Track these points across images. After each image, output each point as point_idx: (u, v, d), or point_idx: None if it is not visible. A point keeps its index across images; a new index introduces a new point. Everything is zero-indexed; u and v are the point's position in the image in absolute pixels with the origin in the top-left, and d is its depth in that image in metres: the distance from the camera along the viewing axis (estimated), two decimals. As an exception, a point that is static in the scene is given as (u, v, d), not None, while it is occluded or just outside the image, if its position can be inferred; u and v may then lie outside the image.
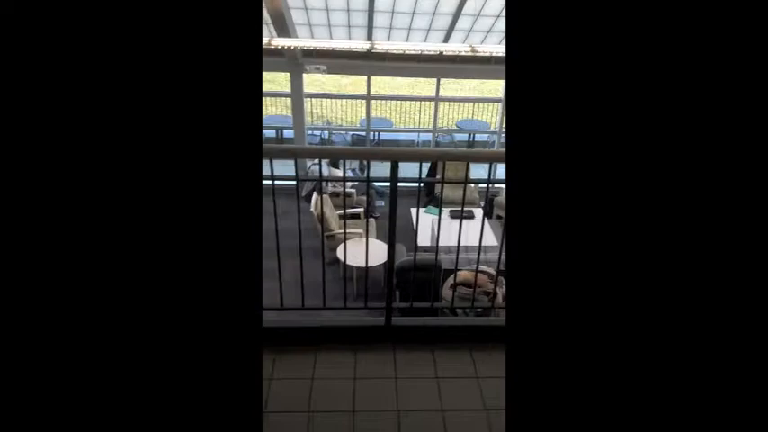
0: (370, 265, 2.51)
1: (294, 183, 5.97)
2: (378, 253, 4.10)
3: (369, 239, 2.57)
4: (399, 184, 2.19)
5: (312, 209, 5.49)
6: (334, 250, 5.36)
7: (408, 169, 2.33)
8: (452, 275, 3.34)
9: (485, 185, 2.49)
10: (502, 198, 6.74)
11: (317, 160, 6.72)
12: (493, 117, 9.51)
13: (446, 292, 3.35)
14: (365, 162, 7.11)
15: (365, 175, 7.04)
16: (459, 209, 2.24)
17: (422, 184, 7.04)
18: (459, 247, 2.43)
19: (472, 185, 6.92)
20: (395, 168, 2.17)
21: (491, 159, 2.51)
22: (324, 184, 6.87)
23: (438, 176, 6.80)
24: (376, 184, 7.19)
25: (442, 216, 6.25)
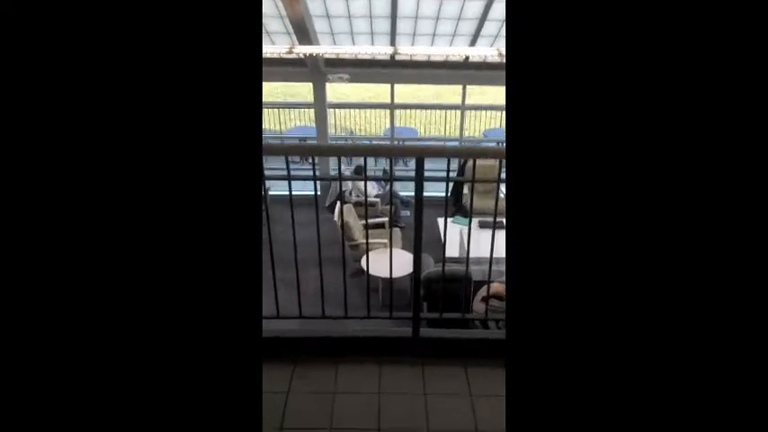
0: (395, 275, 2.36)
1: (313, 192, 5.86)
2: (403, 263, 3.97)
3: (393, 249, 2.40)
4: (425, 194, 2.07)
5: (336, 219, 5.36)
6: (359, 261, 5.20)
7: (438, 184, 2.20)
8: (483, 287, 3.18)
9: (496, 201, 2.32)
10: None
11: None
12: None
13: (477, 305, 3.19)
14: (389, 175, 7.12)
15: (388, 187, 7.08)
16: (488, 219, 2.07)
17: (449, 195, 7.00)
18: (491, 258, 2.25)
19: (501, 195, 6.71)
20: (420, 166, 2.02)
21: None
22: (348, 193, 6.80)
23: (465, 186, 6.69)
24: (401, 193, 7.05)
25: (471, 226, 6.10)
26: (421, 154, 2.05)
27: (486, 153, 2.50)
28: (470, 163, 6.06)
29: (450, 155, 2.29)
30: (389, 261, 2.32)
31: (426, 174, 2.04)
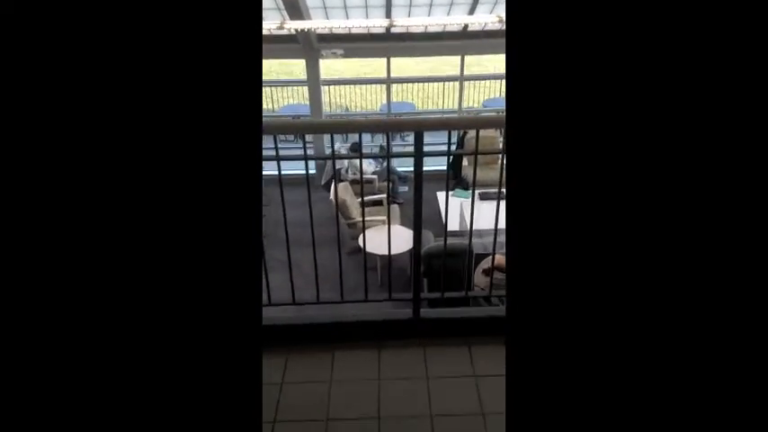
0: (394, 252, 2.24)
1: (305, 170, 5.74)
2: (402, 240, 3.86)
3: (392, 226, 2.29)
4: (424, 168, 1.96)
5: (332, 197, 5.25)
6: (356, 239, 5.10)
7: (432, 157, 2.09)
8: (485, 260, 3.10)
9: (500, 170, 2.19)
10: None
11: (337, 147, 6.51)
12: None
13: (479, 278, 3.11)
14: (385, 150, 6.99)
15: (385, 163, 6.98)
16: (490, 190, 1.95)
17: (449, 165, 6.90)
18: (496, 229, 2.13)
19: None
20: (419, 140, 1.90)
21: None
22: (344, 171, 6.68)
23: (465, 159, 6.57)
24: (399, 169, 6.93)
25: (473, 198, 5.99)
26: (419, 127, 1.92)
27: (487, 123, 2.37)
28: (470, 134, 6.01)
29: (451, 127, 2.15)
30: (388, 239, 2.20)
31: (425, 148, 1.93)
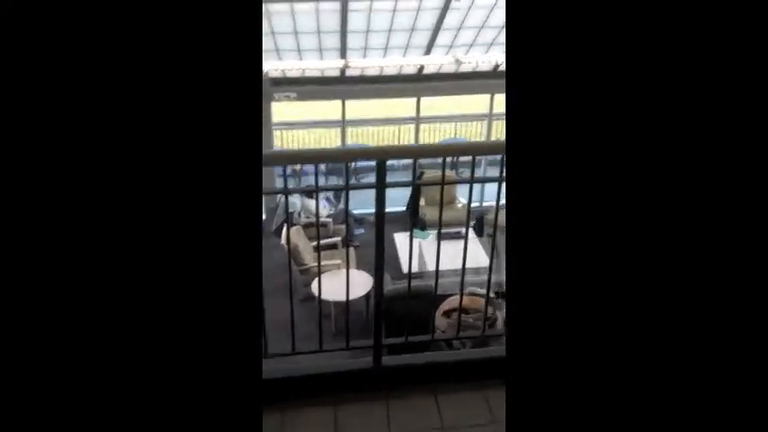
0: (351, 297, 2.04)
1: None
2: (357, 285, 3.67)
3: (349, 269, 2.10)
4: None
5: (283, 242, 5.02)
6: (309, 285, 4.85)
7: (392, 198, 1.94)
8: (444, 302, 3.01)
9: (473, 205, 2.08)
10: (492, 216, 6.37)
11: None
12: (478, 134, 9.26)
13: (439, 320, 2.98)
14: (340, 194, 6.83)
15: (341, 204, 6.82)
16: (450, 230, 1.81)
17: (406, 208, 6.81)
18: (464, 268, 1.98)
19: (459, 205, 6.60)
20: (381, 170, 1.75)
21: (501, 151, 2.04)
22: (297, 214, 6.48)
23: (423, 199, 6.52)
24: (354, 211, 6.79)
25: (429, 239, 5.84)
26: (383, 156, 1.76)
27: (456, 150, 2.25)
28: (428, 174, 5.97)
29: (416, 155, 2.00)
30: (347, 282, 2.00)
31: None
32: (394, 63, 6.25)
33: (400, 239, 5.56)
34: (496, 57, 6.53)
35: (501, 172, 1.86)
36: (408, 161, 8.56)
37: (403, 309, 2.30)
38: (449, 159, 9.15)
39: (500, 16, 6.07)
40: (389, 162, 1.78)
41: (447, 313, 2.85)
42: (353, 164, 8.02)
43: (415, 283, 3.68)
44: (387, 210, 1.84)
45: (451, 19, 5.96)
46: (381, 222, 1.83)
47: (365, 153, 2.00)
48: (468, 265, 2.09)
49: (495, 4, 5.85)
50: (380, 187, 1.75)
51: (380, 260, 1.89)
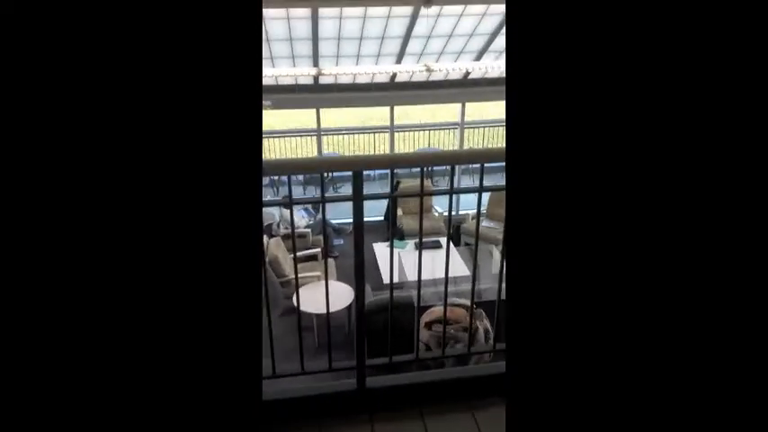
0: (331, 310, 1.96)
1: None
2: (338, 296, 3.58)
3: (328, 281, 2.02)
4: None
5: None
6: (290, 298, 4.76)
7: (369, 207, 1.86)
8: (425, 313, 2.94)
9: (449, 214, 2.03)
10: (468, 225, 6.35)
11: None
12: (451, 143, 9.29)
13: (422, 332, 2.90)
14: (318, 206, 6.77)
15: (319, 215, 6.75)
16: (428, 239, 1.74)
17: (384, 218, 6.76)
18: (447, 278, 1.91)
19: (436, 214, 6.56)
20: (357, 181, 1.68)
21: (479, 159, 1.99)
22: (276, 226, 6.38)
23: (400, 209, 6.47)
24: (332, 221, 6.71)
25: (408, 249, 5.76)
26: (359, 167, 1.69)
27: (435, 159, 2.20)
28: (404, 183, 5.94)
29: (394, 164, 1.94)
30: (326, 297, 1.92)
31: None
32: (366, 71, 6.22)
33: (379, 249, 5.50)
34: (466, 65, 6.57)
35: (480, 181, 1.80)
36: (385, 171, 8.54)
37: (385, 321, 2.22)
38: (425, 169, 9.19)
39: (468, 25, 6.13)
40: (366, 171, 1.72)
41: (428, 325, 2.76)
42: (330, 174, 7.97)
43: (395, 293, 3.62)
44: (366, 219, 1.77)
45: (421, 27, 5.97)
46: (360, 234, 1.75)
47: (342, 163, 1.93)
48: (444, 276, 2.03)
49: (463, 12, 5.89)
50: (358, 199, 1.68)
51: (361, 273, 1.81)
